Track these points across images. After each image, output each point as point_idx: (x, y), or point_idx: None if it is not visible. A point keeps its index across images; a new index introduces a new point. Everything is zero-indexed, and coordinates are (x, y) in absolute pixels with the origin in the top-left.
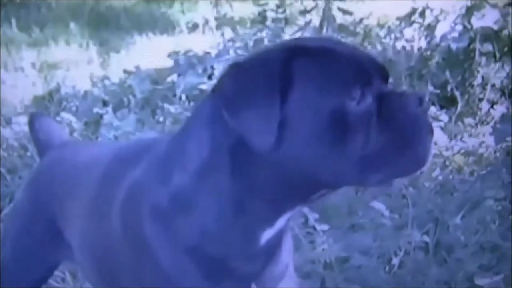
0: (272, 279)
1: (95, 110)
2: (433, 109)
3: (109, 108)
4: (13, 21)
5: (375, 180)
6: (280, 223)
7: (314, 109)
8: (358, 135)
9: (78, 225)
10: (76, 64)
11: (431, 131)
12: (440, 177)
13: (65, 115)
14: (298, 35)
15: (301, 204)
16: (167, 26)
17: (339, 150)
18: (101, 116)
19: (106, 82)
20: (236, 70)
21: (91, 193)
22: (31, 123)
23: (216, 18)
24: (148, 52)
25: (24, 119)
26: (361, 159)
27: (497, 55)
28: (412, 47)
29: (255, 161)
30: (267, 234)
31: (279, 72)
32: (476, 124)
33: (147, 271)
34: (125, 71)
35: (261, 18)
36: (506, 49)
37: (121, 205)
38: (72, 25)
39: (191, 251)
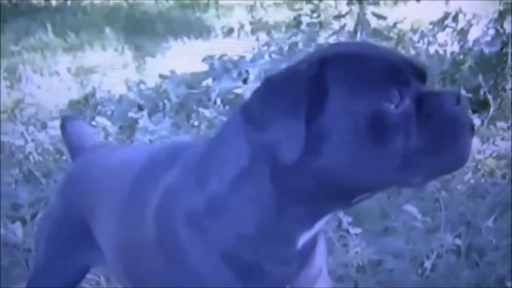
0: (306, 282)
1: (130, 114)
2: None
3: (144, 113)
4: (49, 26)
5: (418, 180)
6: (317, 226)
7: (352, 115)
8: (399, 137)
9: (109, 228)
10: (111, 68)
11: (471, 127)
12: (472, 181)
13: (100, 120)
14: (332, 39)
15: (341, 208)
16: (202, 31)
17: (381, 153)
18: (136, 121)
19: (142, 86)
20: (264, 85)
21: (124, 196)
22: (63, 127)
23: (251, 23)
24: (183, 57)
25: (59, 124)
26: (403, 161)
27: None
28: (445, 51)
29: (296, 169)
30: (304, 238)
31: (308, 86)
32: (508, 128)
33: (181, 276)
34: (160, 76)
35: (296, 22)
36: None
37: (156, 209)
38: (108, 30)
39: (226, 255)
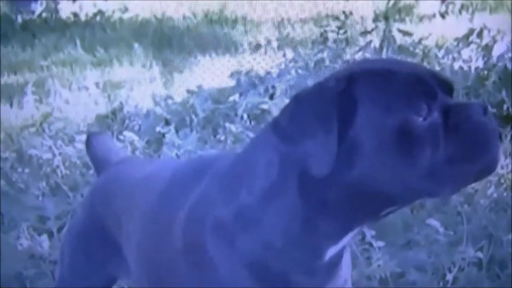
0: None
1: (158, 129)
2: None
3: (171, 127)
4: (78, 41)
5: (448, 189)
6: (345, 240)
7: (381, 129)
8: (427, 149)
9: (135, 241)
10: (139, 83)
11: (498, 136)
12: (495, 195)
13: (127, 134)
14: (358, 55)
15: (369, 221)
16: (230, 46)
17: (410, 165)
18: (163, 135)
19: (169, 101)
20: (294, 101)
21: (150, 209)
22: (88, 142)
23: (278, 39)
24: (211, 72)
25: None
26: (432, 172)
27: None
28: (469, 67)
29: (325, 182)
30: (331, 251)
31: (336, 102)
32: None
33: None
34: (187, 91)
35: (323, 38)
36: None
37: (184, 222)
38: (136, 45)
39: (254, 267)
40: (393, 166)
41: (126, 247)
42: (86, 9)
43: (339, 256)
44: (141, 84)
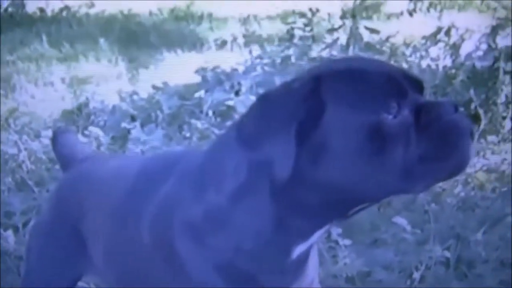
0: None
1: (123, 124)
2: None
3: (137, 123)
4: (44, 37)
5: (419, 187)
6: (314, 237)
7: (351, 129)
8: (398, 147)
9: (103, 238)
10: (105, 79)
11: (470, 134)
12: (462, 194)
13: (93, 129)
14: (325, 52)
15: (341, 218)
16: (196, 43)
17: (381, 164)
18: (128, 131)
19: (135, 97)
20: (258, 103)
21: (117, 206)
22: (54, 139)
23: (244, 35)
24: (177, 68)
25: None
26: (403, 170)
27: None
28: (437, 65)
29: (295, 183)
30: (300, 249)
31: (301, 104)
32: (499, 142)
33: (176, 286)
34: (153, 87)
35: (289, 35)
36: None
37: (151, 219)
38: (102, 41)
39: (222, 267)
40: (364, 165)
41: (92, 243)
42: (53, 5)
43: (306, 254)
44: (107, 80)
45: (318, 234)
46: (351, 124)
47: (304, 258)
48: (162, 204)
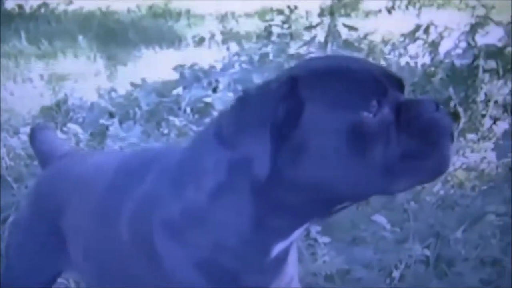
0: None
1: (102, 121)
2: None
3: (115, 120)
4: (23, 34)
5: (400, 187)
6: (294, 235)
7: (330, 127)
8: (378, 146)
9: (82, 234)
10: (83, 76)
11: (451, 134)
12: (442, 192)
13: (71, 126)
14: (303, 50)
15: (321, 217)
16: (174, 40)
17: (361, 162)
18: (107, 128)
19: (113, 94)
20: (236, 104)
21: (96, 203)
22: (32, 136)
23: (222, 33)
24: (155, 65)
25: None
26: (384, 169)
27: (501, 72)
28: (416, 63)
29: (275, 182)
30: (279, 247)
31: (278, 105)
32: (478, 140)
33: (156, 283)
34: (131, 84)
35: (267, 33)
36: (509, 66)
37: (130, 215)
38: (80, 38)
39: (202, 264)
40: (344, 164)
41: (72, 240)
42: (31, 1)
43: (285, 252)
44: (86, 77)
45: (298, 233)
46: (331, 123)
47: (283, 256)
48: (141, 201)
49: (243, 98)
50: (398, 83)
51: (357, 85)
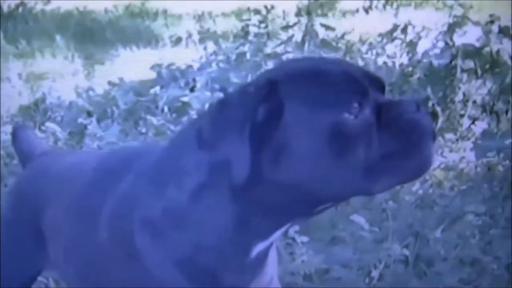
0: None
1: (80, 120)
2: None
3: (93, 119)
4: (1, 33)
5: (382, 187)
6: (275, 236)
7: (311, 129)
8: (360, 147)
9: (62, 234)
10: (61, 75)
11: (432, 134)
12: (420, 191)
13: (50, 125)
14: (279, 49)
15: (302, 218)
16: (151, 40)
17: (342, 164)
18: (85, 127)
19: (91, 93)
20: (216, 107)
21: (76, 201)
22: (14, 135)
23: (199, 32)
24: (132, 65)
25: (10, 128)
26: (366, 170)
27: (479, 72)
28: (393, 63)
29: (256, 183)
30: (259, 247)
31: (256, 108)
32: (457, 140)
33: (136, 282)
34: (109, 83)
35: (244, 32)
36: (487, 66)
37: (111, 214)
38: (58, 37)
39: (182, 263)
40: (325, 166)
41: (52, 239)
42: (9, 1)
43: (265, 253)
44: (64, 76)
45: (279, 233)
46: (312, 125)
47: (263, 256)
48: (121, 199)
49: (223, 100)
50: (378, 84)
51: (337, 86)
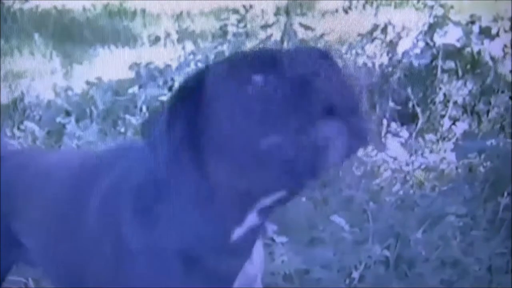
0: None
1: (58, 119)
2: (393, 125)
3: (72, 118)
4: None
5: (310, 178)
6: (249, 221)
7: (225, 103)
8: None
9: (43, 229)
10: (40, 74)
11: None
12: (401, 192)
13: (28, 124)
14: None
15: (258, 203)
16: (129, 39)
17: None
18: (63, 126)
19: (69, 92)
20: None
21: (60, 197)
22: None
23: (177, 32)
24: (110, 64)
25: None
26: (285, 164)
27: (460, 72)
28: (373, 63)
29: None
30: (238, 232)
31: (181, 107)
32: (438, 140)
33: (125, 274)
34: (87, 82)
35: (222, 32)
36: (468, 66)
37: (99, 206)
38: (36, 36)
39: (170, 253)
40: (241, 161)
41: (29, 235)
42: None
43: (247, 242)
44: (42, 75)
45: (252, 218)
46: (224, 101)
47: (246, 246)
48: (108, 194)
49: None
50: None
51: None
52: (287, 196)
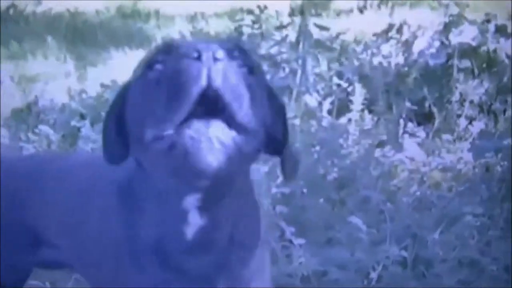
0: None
1: (73, 123)
2: (410, 125)
3: (87, 121)
4: None
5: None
6: (188, 203)
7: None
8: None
9: (65, 229)
10: (53, 77)
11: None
12: (418, 193)
13: (43, 128)
14: (274, 50)
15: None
16: (143, 41)
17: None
18: (78, 129)
19: (83, 95)
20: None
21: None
22: None
23: (191, 33)
24: (125, 67)
25: (4, 132)
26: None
27: (476, 71)
28: (389, 63)
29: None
30: (189, 231)
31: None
32: (454, 140)
33: (124, 270)
34: (102, 85)
35: (237, 33)
36: (484, 65)
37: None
38: (49, 39)
39: (150, 247)
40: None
41: (61, 237)
42: None
43: (211, 246)
44: (56, 78)
45: (192, 200)
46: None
47: (208, 244)
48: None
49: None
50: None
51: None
52: (206, 196)
